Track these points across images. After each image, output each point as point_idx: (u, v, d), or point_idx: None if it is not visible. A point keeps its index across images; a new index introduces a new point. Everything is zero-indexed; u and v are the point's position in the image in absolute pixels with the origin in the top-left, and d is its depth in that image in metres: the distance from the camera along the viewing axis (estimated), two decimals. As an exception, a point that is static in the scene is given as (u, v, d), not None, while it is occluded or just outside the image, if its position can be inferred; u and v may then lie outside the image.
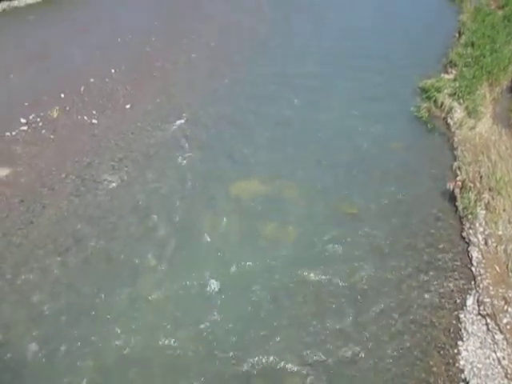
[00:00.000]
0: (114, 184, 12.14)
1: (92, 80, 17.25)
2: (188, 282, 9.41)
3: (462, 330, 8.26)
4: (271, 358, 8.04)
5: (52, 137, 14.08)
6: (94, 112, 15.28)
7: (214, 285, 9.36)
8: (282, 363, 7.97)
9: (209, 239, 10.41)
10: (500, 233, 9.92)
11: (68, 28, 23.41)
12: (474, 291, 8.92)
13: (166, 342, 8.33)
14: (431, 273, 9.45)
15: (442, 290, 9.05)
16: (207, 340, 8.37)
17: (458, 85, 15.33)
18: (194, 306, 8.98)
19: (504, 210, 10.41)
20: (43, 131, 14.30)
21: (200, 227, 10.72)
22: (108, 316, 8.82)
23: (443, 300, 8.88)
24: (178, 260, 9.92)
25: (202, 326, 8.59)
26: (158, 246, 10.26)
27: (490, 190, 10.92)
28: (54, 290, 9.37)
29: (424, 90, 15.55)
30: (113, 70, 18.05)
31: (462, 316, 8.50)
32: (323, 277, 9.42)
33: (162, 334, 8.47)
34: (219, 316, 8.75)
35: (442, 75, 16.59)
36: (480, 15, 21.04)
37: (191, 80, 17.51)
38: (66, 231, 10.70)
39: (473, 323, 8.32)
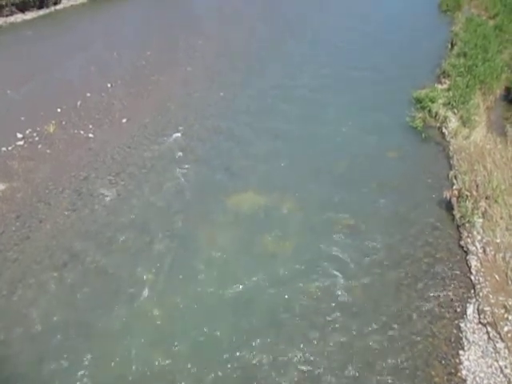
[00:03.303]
0: (110, 198, 12.10)
1: (88, 94, 17.32)
2: (187, 297, 9.32)
3: (463, 340, 8.20)
4: (273, 374, 7.94)
5: (48, 151, 14.07)
6: (91, 126, 15.31)
7: (212, 299, 9.26)
8: (284, 378, 7.86)
9: (206, 253, 10.34)
10: (498, 241, 9.93)
11: (65, 43, 23.59)
12: (473, 300, 8.88)
13: (165, 360, 8.18)
14: (430, 282, 9.40)
15: (441, 300, 9.01)
16: (206, 357, 8.25)
17: (451, 94, 15.48)
18: (193, 321, 8.86)
19: (501, 218, 10.43)
20: (40, 146, 14.29)
21: (197, 241, 10.67)
22: (105, 333, 8.69)
23: (443, 309, 8.83)
24: (176, 274, 9.83)
25: (201, 341, 8.47)
26: (156, 261, 10.18)
27: (486, 198, 10.95)
28: (50, 306, 9.23)
29: (418, 100, 15.68)
30: (109, 85, 18.14)
31: (462, 325, 8.45)
32: (322, 289, 9.35)
33: (160, 351, 8.33)
34: (219, 331, 8.64)
35: (436, 85, 16.77)
36: (472, 26, 21.37)
37: (187, 94, 17.61)
38: (62, 246, 10.62)
39: (474, 332, 8.27)
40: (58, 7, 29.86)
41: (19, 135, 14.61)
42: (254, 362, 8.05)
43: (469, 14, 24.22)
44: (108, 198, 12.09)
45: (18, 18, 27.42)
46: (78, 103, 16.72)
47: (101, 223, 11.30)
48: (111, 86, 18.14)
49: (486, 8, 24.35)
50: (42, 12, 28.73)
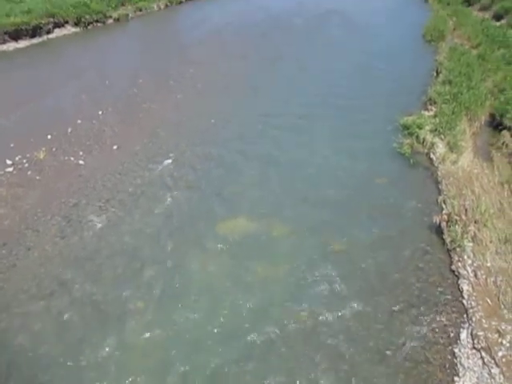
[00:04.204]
0: (100, 225, 11.99)
1: (79, 121, 17.38)
2: (176, 326, 9.15)
3: (458, 365, 8.10)
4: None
5: (38, 178, 13.99)
6: (81, 153, 15.30)
7: (203, 327, 9.10)
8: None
9: (197, 280, 10.22)
10: (488, 264, 9.96)
11: (57, 71, 23.82)
12: (467, 324, 8.83)
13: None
14: (423, 308, 9.35)
15: (434, 325, 8.94)
16: (197, 384, 8.06)
17: (438, 121, 15.78)
18: (184, 350, 8.68)
19: (491, 242, 10.50)
20: (29, 172, 14.22)
21: (188, 268, 10.55)
22: (93, 364, 8.46)
23: (437, 335, 8.76)
24: (166, 303, 9.67)
25: (190, 372, 8.28)
26: (146, 288, 10.03)
27: (475, 222, 11.04)
28: (36, 337, 8.99)
29: (406, 127, 15.94)
30: (100, 112, 18.24)
31: (456, 350, 8.37)
32: (315, 316, 9.25)
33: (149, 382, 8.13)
34: (209, 359, 8.46)
35: (423, 112, 17.10)
36: (455, 55, 22.00)
37: (178, 121, 17.75)
38: (50, 274, 10.43)
39: (468, 357, 8.18)
40: (50, 36, 30.29)
41: (8, 162, 14.54)
42: (246, 391, 7.87)
43: (452, 44, 24.98)
44: (97, 225, 11.98)
45: (11, 46, 27.72)
46: (69, 130, 16.74)
47: (90, 250, 11.15)
48: (102, 113, 18.24)
49: (469, 38, 25.15)
50: (34, 40, 29.11)
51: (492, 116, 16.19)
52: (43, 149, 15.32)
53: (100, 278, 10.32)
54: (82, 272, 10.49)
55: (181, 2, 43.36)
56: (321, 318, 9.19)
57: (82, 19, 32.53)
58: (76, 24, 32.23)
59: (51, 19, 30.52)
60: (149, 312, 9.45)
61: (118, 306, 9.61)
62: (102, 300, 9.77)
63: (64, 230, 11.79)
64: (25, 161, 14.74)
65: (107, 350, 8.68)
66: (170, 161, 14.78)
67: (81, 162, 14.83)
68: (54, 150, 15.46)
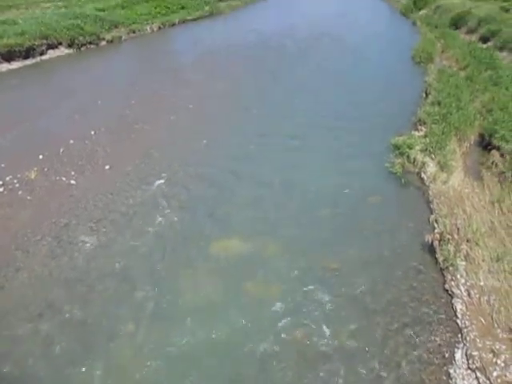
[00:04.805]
0: (91, 245, 11.86)
1: (72, 142, 17.37)
2: (168, 348, 8.98)
3: (453, 387, 8.03)
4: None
5: (29, 198, 13.87)
6: (73, 173, 15.24)
7: (195, 350, 8.94)
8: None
9: (189, 302, 10.08)
10: (481, 283, 9.95)
11: (49, 92, 23.91)
12: (461, 344, 8.76)
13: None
14: (417, 327, 9.29)
15: (429, 345, 8.87)
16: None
17: (428, 141, 15.96)
18: (175, 373, 8.51)
19: (483, 261, 10.51)
20: (20, 192, 14.10)
21: (180, 289, 10.42)
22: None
23: (431, 355, 8.67)
24: (157, 324, 9.52)
25: (183, 394, 8.11)
26: (137, 310, 9.87)
27: (467, 241, 11.08)
28: (23, 361, 8.77)
29: (397, 147, 16.09)
30: (92, 132, 18.26)
31: (451, 371, 8.28)
32: (308, 336, 9.14)
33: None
34: (201, 383, 8.30)
35: (413, 132, 17.30)
36: (444, 76, 22.42)
37: (170, 141, 17.80)
38: (39, 295, 10.25)
39: (463, 378, 8.09)
40: (44, 57, 30.52)
41: (-1, 182, 14.45)
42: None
43: (441, 66, 25.49)
44: (88, 246, 11.85)
45: (4, 67, 27.87)
46: (61, 150, 16.71)
47: (80, 271, 11.00)
48: (95, 133, 18.26)
49: (457, 60, 25.68)
50: (28, 62, 29.30)
51: (481, 136, 16.41)
52: (35, 169, 15.24)
53: (90, 300, 10.15)
54: (72, 293, 10.32)
55: (173, 25, 44.04)
56: (315, 338, 9.08)
57: (76, 41, 32.90)
58: (69, 45, 32.57)
59: (45, 41, 30.81)
60: (139, 334, 9.28)
61: (108, 329, 9.42)
62: (92, 322, 9.59)
63: (54, 251, 11.64)
64: (16, 181, 14.64)
65: (97, 373, 8.48)
66: (162, 181, 14.75)
67: (72, 181, 14.75)
68: (45, 169, 15.39)
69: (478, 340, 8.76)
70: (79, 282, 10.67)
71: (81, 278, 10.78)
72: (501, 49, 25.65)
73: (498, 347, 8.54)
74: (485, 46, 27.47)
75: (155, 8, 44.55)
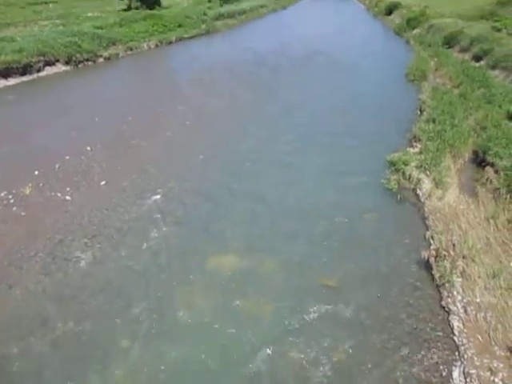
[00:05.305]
0: (85, 261, 11.76)
1: (67, 157, 17.36)
2: (163, 366, 8.86)
3: (451, 406, 7.93)
4: None
5: (23, 214, 13.79)
6: (68, 189, 15.19)
7: (191, 367, 8.82)
8: None
9: (184, 319, 9.98)
10: (478, 300, 9.92)
11: (46, 108, 23.97)
12: (458, 362, 8.69)
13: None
14: (414, 345, 9.21)
15: (426, 363, 8.79)
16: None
17: (423, 157, 16.07)
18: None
19: (479, 277, 10.50)
20: (14, 208, 14.03)
21: (175, 306, 10.32)
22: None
23: (429, 373, 8.58)
24: (152, 341, 9.40)
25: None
26: (131, 327, 9.75)
27: (463, 257, 11.07)
28: (14, 381, 8.60)
29: (392, 163, 16.19)
30: (89, 148, 18.27)
31: (449, 390, 8.21)
32: (305, 354, 9.04)
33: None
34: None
35: (408, 149, 17.43)
36: (438, 94, 22.69)
37: (167, 157, 17.83)
38: (32, 312, 10.11)
39: (461, 397, 8.02)
40: (41, 74, 30.67)
41: (-7, 198, 14.37)
42: None
43: (434, 84, 25.80)
44: (83, 262, 11.75)
45: (1, 83, 27.99)
46: (57, 166, 16.68)
47: (74, 288, 10.88)
48: (91, 149, 18.26)
49: (450, 78, 26.01)
50: (25, 78, 29.44)
51: (475, 153, 16.54)
52: (30, 185, 15.19)
53: (84, 317, 10.02)
54: (66, 310, 10.19)
55: (171, 42, 44.53)
56: (311, 356, 8.98)
57: (73, 58, 33.11)
58: (67, 62, 32.77)
59: (42, 58, 30.99)
60: (134, 351, 9.15)
61: (102, 346, 9.30)
62: (86, 339, 9.45)
63: (48, 267, 11.53)
64: (10, 196, 14.57)
65: (89, 393, 8.34)
66: (158, 196, 14.73)
67: (68, 197, 14.70)
68: (40, 185, 15.34)
69: (475, 358, 8.70)
70: (73, 298, 10.55)
71: (75, 294, 10.66)
72: (493, 67, 26.03)
73: (495, 365, 8.47)
74: (477, 64, 27.87)
75: (152, 26, 45.09)
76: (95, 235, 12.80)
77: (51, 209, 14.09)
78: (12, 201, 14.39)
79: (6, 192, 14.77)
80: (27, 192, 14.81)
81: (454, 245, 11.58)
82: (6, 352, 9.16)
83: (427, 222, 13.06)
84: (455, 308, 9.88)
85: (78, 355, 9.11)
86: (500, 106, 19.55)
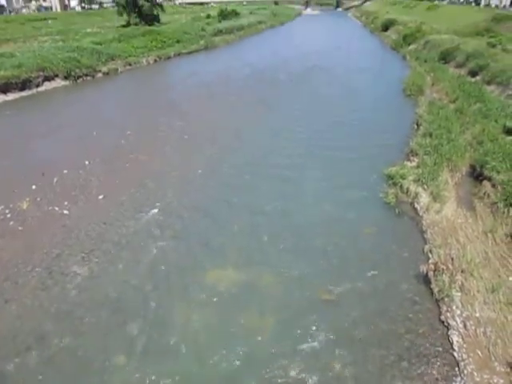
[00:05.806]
0: (83, 276, 11.68)
1: (65, 171, 17.36)
2: (160, 382, 8.75)
3: (452, 422, 7.83)
4: None
5: (20, 228, 13.74)
6: (66, 203, 15.16)
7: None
8: None
9: (183, 334, 9.89)
10: (477, 315, 9.86)
11: (44, 122, 24.07)
12: (459, 378, 8.60)
13: None
14: (413, 360, 9.13)
15: (426, 378, 8.70)
16: None
17: (421, 171, 16.13)
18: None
19: (478, 292, 10.45)
20: (11, 223, 13.97)
21: (173, 321, 10.23)
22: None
23: (429, 389, 8.50)
24: (149, 357, 9.29)
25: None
26: (129, 343, 9.64)
27: (462, 271, 11.04)
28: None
29: (390, 177, 16.24)
30: (87, 162, 18.29)
31: (449, 406, 8.11)
32: (304, 370, 8.94)
33: None
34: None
35: (405, 163, 17.51)
36: (434, 108, 22.88)
37: (165, 171, 17.84)
38: (28, 328, 10.00)
39: (462, 413, 7.92)
40: (40, 89, 30.90)
41: (-10, 212, 14.32)
42: None
43: (431, 98, 26.03)
44: (80, 277, 11.66)
45: (0, 99, 28.14)
46: (55, 180, 16.68)
47: (71, 303, 10.79)
48: (89, 163, 18.28)
49: (447, 93, 26.25)
50: (24, 93, 29.65)
51: (472, 167, 16.61)
52: (27, 199, 15.16)
53: (81, 332, 9.92)
54: (62, 326, 10.08)
55: (169, 58, 45.00)
56: (309, 371, 8.88)
57: (72, 73, 33.40)
58: (66, 77, 33.04)
59: (41, 73, 31.27)
60: (131, 367, 9.04)
61: (99, 362, 9.18)
62: (82, 355, 9.34)
63: (45, 282, 11.44)
64: (7, 211, 14.53)
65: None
66: (156, 210, 14.71)
67: (65, 211, 14.66)
68: (38, 199, 15.31)
69: (475, 373, 8.62)
70: (70, 313, 10.44)
71: (72, 309, 10.57)
72: (488, 82, 26.31)
73: (495, 381, 8.39)
74: (473, 79, 28.17)
75: (151, 42, 45.62)
76: (93, 250, 12.74)
77: (49, 223, 14.04)
78: (9, 215, 14.34)
79: (3, 206, 14.74)
80: (24, 206, 14.77)
81: (452, 259, 11.56)
82: (1, 368, 9.04)
83: (425, 236, 13.05)
84: (454, 323, 9.82)
85: (73, 372, 8.99)
86: (496, 121, 19.69)
